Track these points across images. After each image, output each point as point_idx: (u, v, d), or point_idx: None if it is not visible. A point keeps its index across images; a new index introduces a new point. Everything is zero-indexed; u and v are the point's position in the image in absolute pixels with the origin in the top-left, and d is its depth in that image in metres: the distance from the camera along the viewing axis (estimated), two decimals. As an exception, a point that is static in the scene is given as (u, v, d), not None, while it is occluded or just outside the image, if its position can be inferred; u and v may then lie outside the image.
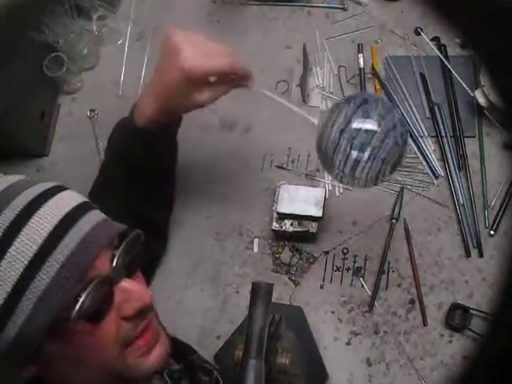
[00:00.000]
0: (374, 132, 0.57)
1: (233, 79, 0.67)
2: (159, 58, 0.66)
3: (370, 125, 0.58)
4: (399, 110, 0.61)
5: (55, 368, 0.49)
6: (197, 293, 0.87)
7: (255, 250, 0.88)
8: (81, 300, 0.45)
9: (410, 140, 0.88)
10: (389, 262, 0.82)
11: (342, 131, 0.58)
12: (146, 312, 0.51)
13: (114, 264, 0.49)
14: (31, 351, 0.45)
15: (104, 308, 0.48)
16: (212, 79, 0.65)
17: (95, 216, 0.50)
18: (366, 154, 0.57)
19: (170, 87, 0.64)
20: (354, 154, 0.58)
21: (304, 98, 0.94)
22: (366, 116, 0.58)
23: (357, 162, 0.58)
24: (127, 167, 0.74)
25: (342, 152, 0.58)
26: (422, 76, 0.92)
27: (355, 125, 0.58)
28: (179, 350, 0.67)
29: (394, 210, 0.84)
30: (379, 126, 0.58)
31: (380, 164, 0.58)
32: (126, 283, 0.50)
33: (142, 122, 0.69)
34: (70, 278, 0.44)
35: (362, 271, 0.83)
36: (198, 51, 0.62)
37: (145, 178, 0.75)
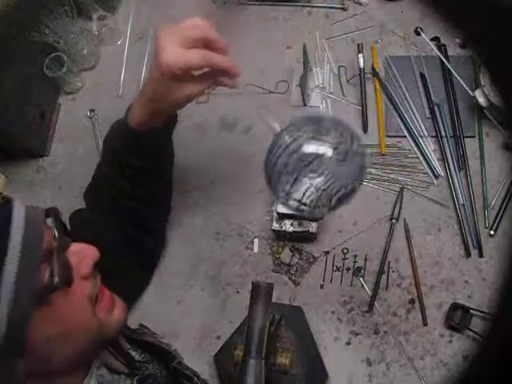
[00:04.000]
0: (327, 157, 0.54)
1: (214, 73, 0.67)
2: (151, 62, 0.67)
3: (322, 149, 0.55)
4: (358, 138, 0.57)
5: (44, 354, 0.50)
6: (197, 293, 0.87)
7: (255, 250, 0.88)
8: (53, 267, 0.49)
9: (410, 140, 0.88)
10: (389, 262, 0.82)
11: (291, 154, 0.56)
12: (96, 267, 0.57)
13: (57, 235, 0.54)
14: (21, 340, 0.47)
15: (69, 271, 0.52)
16: (196, 73, 0.65)
17: (19, 206, 0.54)
18: (316, 181, 0.54)
19: (154, 86, 0.65)
20: (303, 179, 0.55)
21: (304, 98, 0.94)
22: (319, 140, 0.55)
23: (305, 187, 0.55)
24: (122, 168, 0.74)
25: (290, 175, 0.55)
26: (422, 76, 0.92)
27: (307, 149, 0.55)
28: (161, 355, 0.68)
29: (394, 210, 0.84)
30: (333, 150, 0.55)
31: (331, 190, 0.55)
32: (73, 247, 0.55)
33: (134, 123, 0.70)
34: (32, 255, 0.48)
35: (362, 271, 0.83)
36: (177, 42, 0.61)
37: (139, 180, 0.76)
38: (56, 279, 0.48)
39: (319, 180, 0.55)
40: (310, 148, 0.55)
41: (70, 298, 0.51)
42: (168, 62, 0.61)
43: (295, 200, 0.57)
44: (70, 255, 0.54)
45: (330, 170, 0.55)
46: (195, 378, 0.68)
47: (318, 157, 0.55)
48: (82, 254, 0.55)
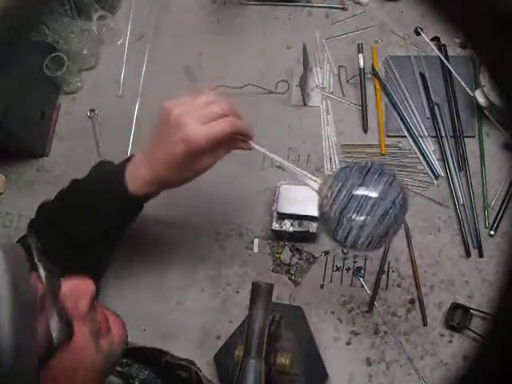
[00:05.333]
0: (374, 198, 0.57)
1: (234, 139, 0.67)
2: (157, 129, 0.67)
3: (371, 193, 0.58)
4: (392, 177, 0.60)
5: None
6: (197, 293, 0.87)
7: (255, 250, 0.88)
8: (49, 321, 0.43)
9: (410, 140, 0.88)
10: (389, 262, 0.82)
11: (347, 198, 0.58)
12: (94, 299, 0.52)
13: (44, 278, 0.46)
14: None
15: (68, 322, 0.46)
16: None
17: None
18: (368, 220, 0.57)
19: (172, 160, 0.63)
20: (357, 220, 0.57)
21: (304, 98, 0.94)
22: (367, 184, 0.58)
23: (360, 228, 0.58)
24: (95, 221, 0.68)
25: (346, 220, 0.58)
26: (422, 76, 0.92)
27: (358, 192, 0.58)
28: (147, 355, 0.67)
29: (394, 210, 0.84)
30: (379, 192, 0.58)
31: (381, 228, 0.58)
32: (65, 286, 0.49)
33: (134, 189, 0.67)
34: (26, 312, 0.42)
35: (362, 271, 0.83)
36: (199, 119, 0.62)
37: (104, 236, 0.70)
38: (55, 336, 0.43)
39: (369, 219, 0.57)
40: (358, 192, 0.58)
41: (71, 350, 0.46)
42: (198, 140, 0.61)
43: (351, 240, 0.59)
44: (64, 298, 0.47)
45: (378, 212, 0.58)
46: (192, 367, 0.68)
47: (368, 199, 0.58)
48: (78, 293, 0.49)
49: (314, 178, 0.63)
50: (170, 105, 0.65)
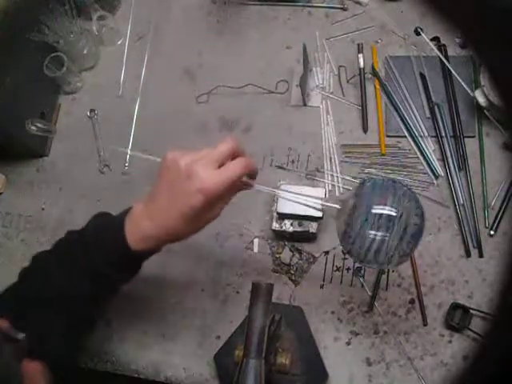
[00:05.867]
0: (393, 216, 0.57)
1: (242, 182, 0.63)
2: (162, 181, 0.62)
3: (390, 210, 0.58)
4: (402, 184, 0.60)
5: None
6: (197, 293, 0.87)
7: (255, 250, 0.88)
8: None
9: (410, 140, 0.88)
10: (389, 262, 0.82)
11: (364, 217, 0.58)
12: None
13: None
14: None
15: None
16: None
17: None
18: (388, 238, 0.57)
19: (187, 212, 0.59)
20: (377, 238, 0.57)
21: (304, 98, 0.94)
22: (384, 202, 0.58)
23: (380, 245, 0.57)
24: (88, 275, 0.63)
25: (366, 238, 0.58)
26: (422, 76, 0.92)
27: (377, 210, 0.58)
28: None
29: (393, 210, 0.84)
30: (397, 209, 0.57)
31: (401, 243, 0.58)
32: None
33: (134, 244, 0.61)
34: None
35: (362, 271, 0.83)
36: (210, 165, 0.58)
37: (99, 290, 0.65)
38: None
39: (388, 236, 0.57)
40: (377, 210, 0.58)
41: None
42: (216, 188, 0.57)
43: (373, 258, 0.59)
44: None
45: (397, 227, 0.57)
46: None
47: (386, 217, 0.58)
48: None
49: (334, 205, 0.62)
50: (175, 154, 0.61)
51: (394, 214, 0.57)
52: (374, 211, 0.58)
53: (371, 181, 0.61)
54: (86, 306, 0.65)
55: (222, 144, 0.61)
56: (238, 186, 0.62)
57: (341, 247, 0.84)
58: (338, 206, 0.62)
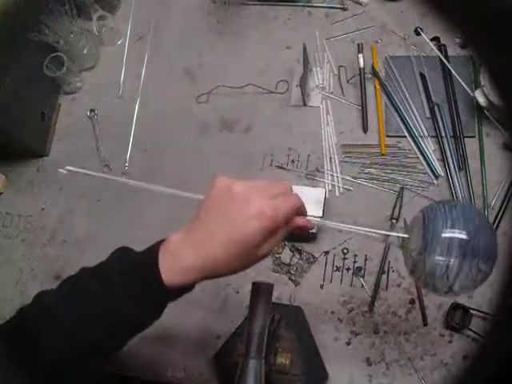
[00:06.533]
0: (464, 240, 0.54)
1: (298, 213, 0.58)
2: (212, 207, 0.56)
3: (460, 234, 0.55)
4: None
5: None
6: (197, 293, 0.87)
7: (255, 249, 0.87)
8: None
9: (410, 140, 0.88)
10: (389, 262, 0.82)
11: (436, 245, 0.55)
12: None
13: None
14: None
15: None
16: None
17: None
18: (460, 262, 0.54)
19: (240, 240, 0.52)
20: (449, 264, 0.54)
21: (304, 98, 0.94)
22: (453, 225, 0.55)
23: (453, 271, 0.54)
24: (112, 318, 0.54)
25: (437, 265, 0.54)
26: (422, 76, 0.92)
27: (447, 234, 0.55)
28: None
29: (393, 210, 0.84)
30: (469, 233, 0.55)
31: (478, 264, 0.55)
32: None
33: (169, 278, 0.53)
34: None
35: (362, 271, 0.83)
36: (267, 195, 0.54)
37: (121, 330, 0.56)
38: None
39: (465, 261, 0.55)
40: (447, 234, 0.55)
41: None
42: (275, 214, 0.52)
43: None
44: None
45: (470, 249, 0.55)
46: None
47: (459, 240, 0.55)
48: None
49: (399, 235, 0.59)
50: (226, 180, 0.57)
51: (465, 237, 0.54)
52: (444, 235, 0.54)
53: (435, 206, 0.58)
54: (97, 358, 0.56)
55: (279, 182, 0.57)
56: (291, 222, 0.56)
57: (341, 247, 0.85)
58: (405, 236, 0.58)
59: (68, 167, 0.60)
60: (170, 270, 0.53)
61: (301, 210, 0.57)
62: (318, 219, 0.62)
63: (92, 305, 0.54)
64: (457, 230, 0.54)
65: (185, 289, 0.55)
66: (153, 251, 0.54)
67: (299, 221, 0.57)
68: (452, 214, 0.56)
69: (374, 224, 0.85)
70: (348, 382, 0.77)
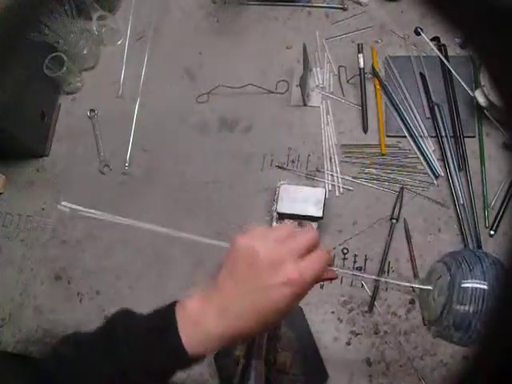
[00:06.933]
0: (484, 289, 0.54)
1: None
2: (236, 273, 0.51)
3: (481, 284, 0.54)
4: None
5: None
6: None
7: (255, 250, 0.87)
8: None
9: (410, 140, 0.88)
10: (389, 262, 0.82)
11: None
12: None
13: None
14: None
15: None
16: None
17: None
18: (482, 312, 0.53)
19: (269, 307, 0.49)
20: (473, 314, 0.53)
21: (304, 98, 0.94)
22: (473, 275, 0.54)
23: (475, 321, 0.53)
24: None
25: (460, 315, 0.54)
26: (422, 76, 0.92)
27: (468, 284, 0.54)
28: None
29: (394, 210, 0.84)
30: (489, 282, 0.54)
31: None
32: None
33: (194, 348, 0.49)
34: None
35: (362, 271, 0.83)
36: (295, 254, 0.50)
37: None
38: None
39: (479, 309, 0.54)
40: (468, 284, 0.54)
41: None
42: (305, 280, 0.49)
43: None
44: None
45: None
46: None
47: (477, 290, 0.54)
48: None
49: (426, 287, 0.58)
50: (248, 241, 0.52)
51: (484, 286, 0.53)
52: (464, 285, 0.54)
53: (457, 256, 0.58)
54: None
55: (307, 233, 0.52)
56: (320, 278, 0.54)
57: (341, 247, 0.85)
58: (430, 288, 0.57)
59: (64, 203, 0.57)
60: (190, 338, 0.49)
61: (329, 263, 0.53)
62: (347, 271, 0.59)
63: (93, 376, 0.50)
64: (480, 281, 0.54)
65: (205, 355, 0.51)
66: (168, 317, 0.50)
67: (328, 275, 0.54)
68: (475, 264, 0.55)
69: (374, 223, 0.85)
70: (348, 382, 0.77)
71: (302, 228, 0.53)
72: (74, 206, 0.56)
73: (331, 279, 0.56)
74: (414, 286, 0.59)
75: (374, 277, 0.60)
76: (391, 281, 0.61)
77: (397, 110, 0.90)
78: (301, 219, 0.81)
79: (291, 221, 0.82)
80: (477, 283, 0.54)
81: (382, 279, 0.62)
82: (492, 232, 0.80)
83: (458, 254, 0.58)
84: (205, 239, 0.59)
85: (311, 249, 0.51)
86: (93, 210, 0.57)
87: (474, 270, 0.54)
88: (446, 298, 0.54)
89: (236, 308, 0.50)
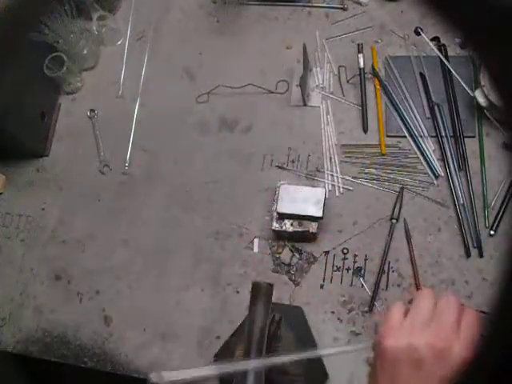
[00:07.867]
0: None
1: None
2: (395, 380, 0.47)
3: None
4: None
5: None
6: (197, 293, 0.87)
7: (255, 250, 0.88)
8: None
9: (410, 140, 0.88)
10: (389, 262, 0.82)
11: None
12: None
13: None
14: None
15: None
16: None
17: None
18: None
19: None
20: None
21: (304, 98, 0.94)
22: None
23: None
24: None
25: None
26: (422, 76, 0.92)
27: None
28: None
29: (394, 210, 0.84)
30: None
31: None
32: None
33: None
34: None
35: (362, 271, 0.83)
36: (450, 332, 0.46)
37: None
38: None
39: None
40: None
41: None
42: (475, 341, 0.45)
43: None
44: None
45: None
46: None
47: None
48: None
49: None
50: (399, 339, 0.47)
51: None
52: None
53: None
54: None
55: (449, 304, 0.48)
56: None
57: (341, 247, 0.85)
58: None
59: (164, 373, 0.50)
60: None
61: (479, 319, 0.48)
62: None
63: None
64: None
65: None
66: None
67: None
68: None
69: (374, 223, 0.85)
70: (348, 382, 0.77)
71: (440, 299, 0.48)
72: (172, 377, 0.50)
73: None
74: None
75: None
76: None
77: (397, 110, 0.90)
78: (301, 219, 0.81)
79: (291, 221, 0.82)
80: None
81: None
82: (492, 232, 0.80)
83: None
84: (346, 347, 0.57)
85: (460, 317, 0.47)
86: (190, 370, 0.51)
87: None
88: None
89: None
